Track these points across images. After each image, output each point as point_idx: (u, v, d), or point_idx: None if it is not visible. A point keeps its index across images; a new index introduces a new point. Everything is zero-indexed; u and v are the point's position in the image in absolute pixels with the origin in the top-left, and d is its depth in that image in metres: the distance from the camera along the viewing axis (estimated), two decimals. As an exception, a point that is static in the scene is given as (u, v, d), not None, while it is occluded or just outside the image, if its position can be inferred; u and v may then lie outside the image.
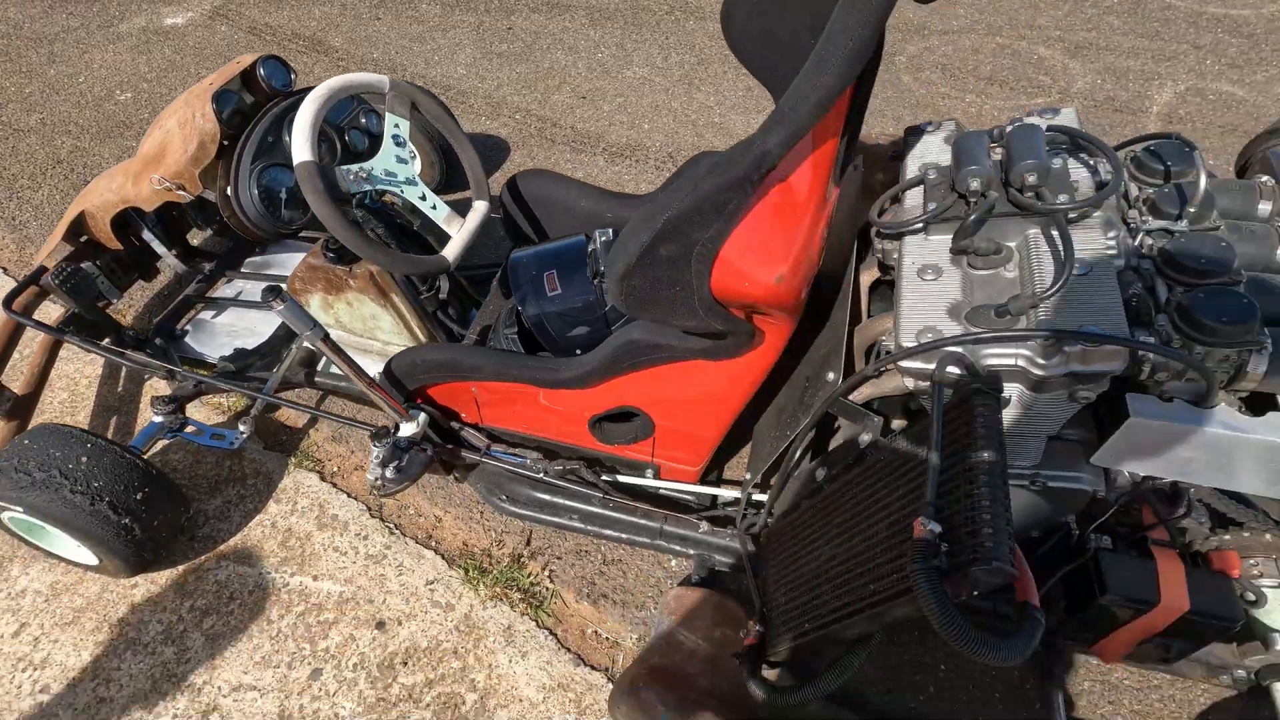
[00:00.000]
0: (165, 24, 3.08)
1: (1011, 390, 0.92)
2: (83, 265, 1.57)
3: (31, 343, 1.64)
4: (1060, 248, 0.89)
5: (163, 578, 1.40)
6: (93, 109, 2.61)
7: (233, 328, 1.74)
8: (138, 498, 1.26)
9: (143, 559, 1.31)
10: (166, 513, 1.33)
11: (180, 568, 1.41)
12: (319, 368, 1.59)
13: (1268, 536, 1.17)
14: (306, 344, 1.16)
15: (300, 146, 1.15)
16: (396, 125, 1.35)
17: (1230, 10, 3.03)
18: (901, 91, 2.63)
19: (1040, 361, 0.86)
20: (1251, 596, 1.11)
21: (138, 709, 1.24)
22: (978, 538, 0.72)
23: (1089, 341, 0.84)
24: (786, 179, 0.84)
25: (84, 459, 1.22)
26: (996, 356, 0.88)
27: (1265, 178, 1.05)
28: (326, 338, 1.17)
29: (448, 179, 2.09)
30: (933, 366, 0.87)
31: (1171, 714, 1.22)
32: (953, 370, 0.85)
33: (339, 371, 1.43)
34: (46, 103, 2.65)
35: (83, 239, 1.60)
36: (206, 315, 1.77)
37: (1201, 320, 0.85)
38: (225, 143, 1.33)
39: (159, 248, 1.71)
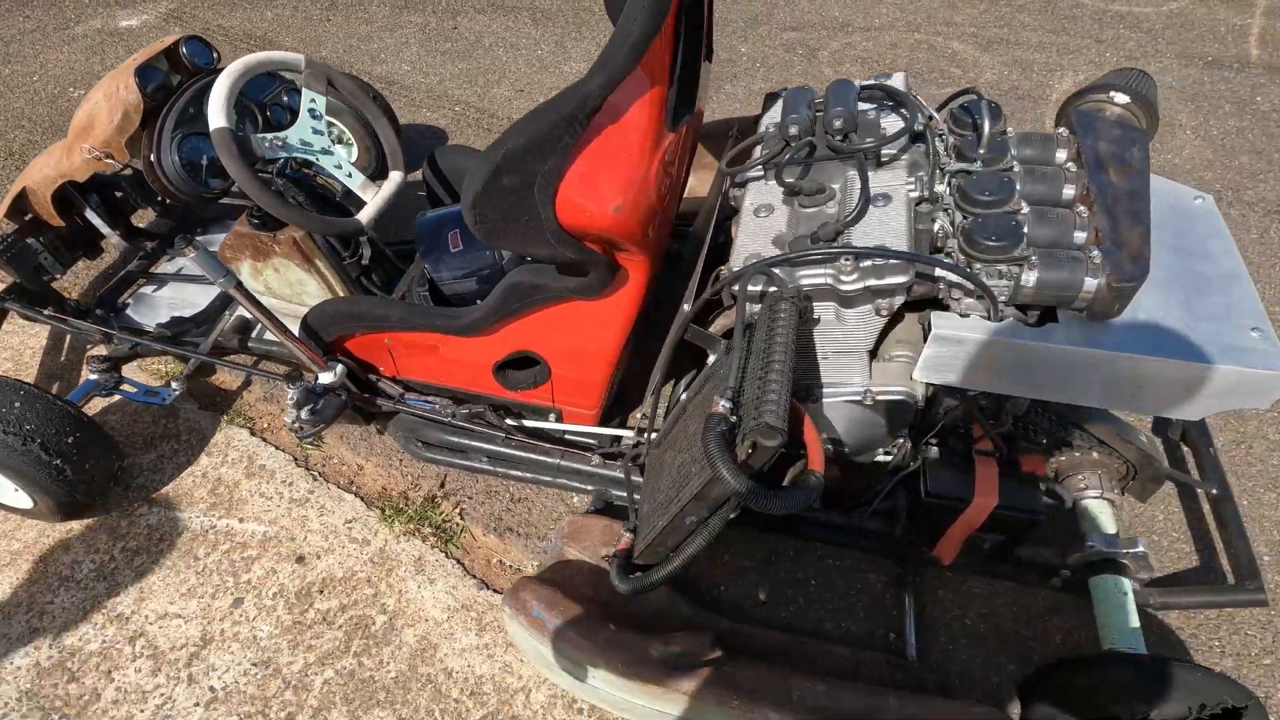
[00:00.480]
0: (120, 26, 3.18)
1: (828, 308, 1.06)
2: (26, 240, 1.67)
3: (-25, 313, 1.73)
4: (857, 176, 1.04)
5: (97, 524, 1.50)
6: (46, 105, 2.70)
7: (172, 300, 1.84)
8: (69, 441, 1.36)
9: (74, 500, 1.41)
10: (99, 459, 1.43)
11: (113, 514, 1.51)
12: (253, 335, 1.70)
13: (1094, 455, 1.32)
14: (238, 308, 1.27)
15: (216, 114, 1.27)
16: (313, 100, 1.47)
17: (1133, 8, 3.24)
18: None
19: (843, 279, 1.00)
20: (1052, 501, 1.26)
21: (69, 636, 1.33)
22: (760, 408, 0.85)
23: (879, 257, 0.98)
24: (618, 120, 0.98)
25: (17, 404, 1.32)
26: (809, 277, 1.02)
27: (1063, 130, 1.20)
28: (239, 285, 1.28)
29: (381, 164, 2.21)
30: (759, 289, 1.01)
31: (1014, 615, 1.35)
32: (758, 287, 0.99)
33: (271, 338, 1.55)
34: (0, 100, 2.74)
35: (26, 216, 1.69)
36: (148, 290, 1.87)
37: (976, 240, 0.99)
38: (151, 116, 1.45)
39: (102, 226, 1.81)
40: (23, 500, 1.41)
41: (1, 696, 1.26)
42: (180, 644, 1.32)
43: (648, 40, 0.88)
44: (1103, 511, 1.27)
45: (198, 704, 1.24)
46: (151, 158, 1.37)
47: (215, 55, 1.53)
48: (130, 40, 3.08)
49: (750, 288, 1.01)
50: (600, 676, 1.09)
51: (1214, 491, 1.35)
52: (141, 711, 1.24)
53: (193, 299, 1.82)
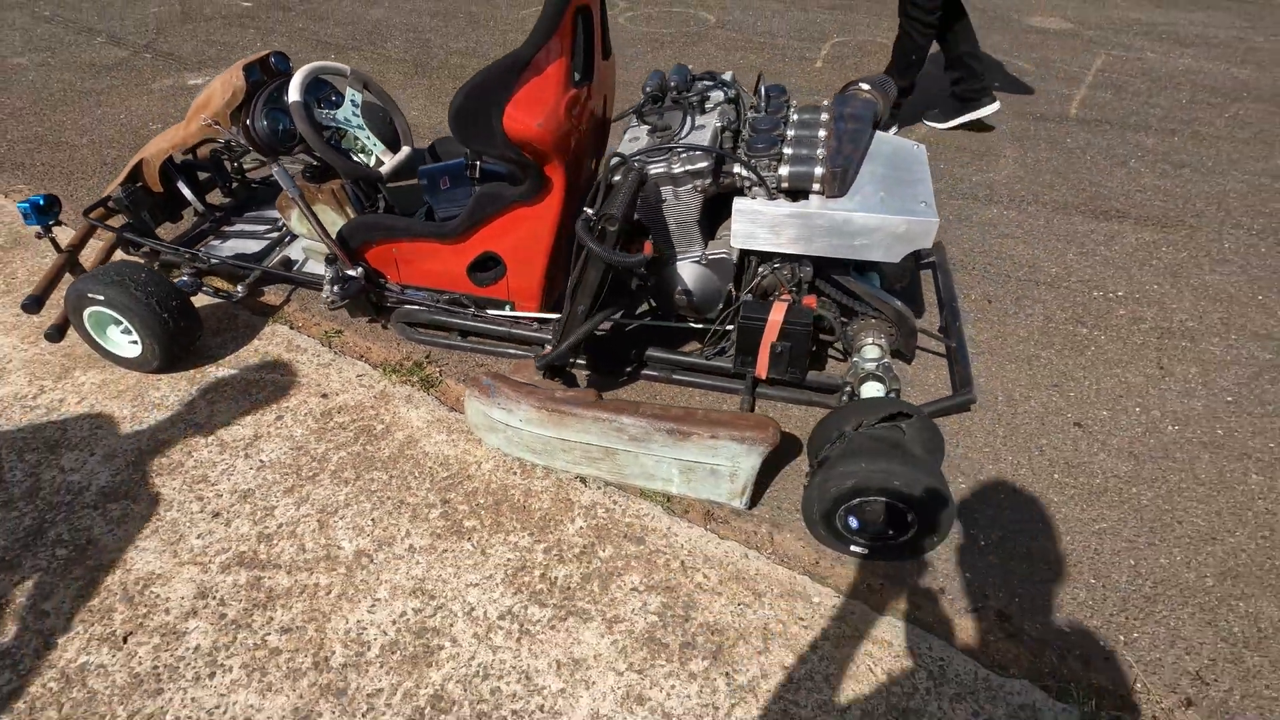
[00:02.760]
0: (188, 83, 4.03)
1: (665, 190, 1.75)
2: (130, 195, 2.36)
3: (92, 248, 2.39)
4: (688, 118, 1.75)
5: (179, 376, 2.10)
6: (131, 135, 3.47)
7: (233, 248, 2.52)
8: (173, 304, 1.99)
9: (172, 352, 2.02)
10: (189, 324, 2.05)
11: (192, 371, 2.11)
12: (295, 268, 2.36)
13: (872, 320, 1.97)
14: (282, 251, 1.94)
15: (294, 93, 1.99)
16: (353, 94, 2.21)
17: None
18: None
19: (672, 168, 1.70)
20: (829, 323, 1.89)
21: (161, 434, 1.91)
22: (610, 210, 1.51)
23: (691, 150, 1.68)
24: (541, 72, 1.69)
25: (143, 275, 1.96)
26: (653, 166, 1.72)
27: (827, 101, 1.93)
28: (301, 196, 1.96)
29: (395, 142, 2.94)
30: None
31: (815, 416, 1.95)
32: (621, 166, 1.69)
33: (309, 270, 2.22)
34: (95, 130, 3.51)
35: (138, 183, 2.39)
36: (215, 242, 2.55)
37: (752, 143, 1.69)
38: (247, 99, 2.17)
39: (189, 194, 2.50)
40: (133, 350, 2.02)
41: (122, 460, 1.82)
42: (239, 438, 1.90)
43: (554, 25, 1.60)
44: (873, 349, 1.91)
45: (251, 468, 1.81)
46: (248, 122, 2.08)
47: (289, 64, 2.28)
48: (194, 94, 3.90)
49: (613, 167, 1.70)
50: (520, 416, 1.68)
51: (952, 344, 2.00)
52: (213, 470, 1.81)
53: (250, 247, 2.49)
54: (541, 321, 2.12)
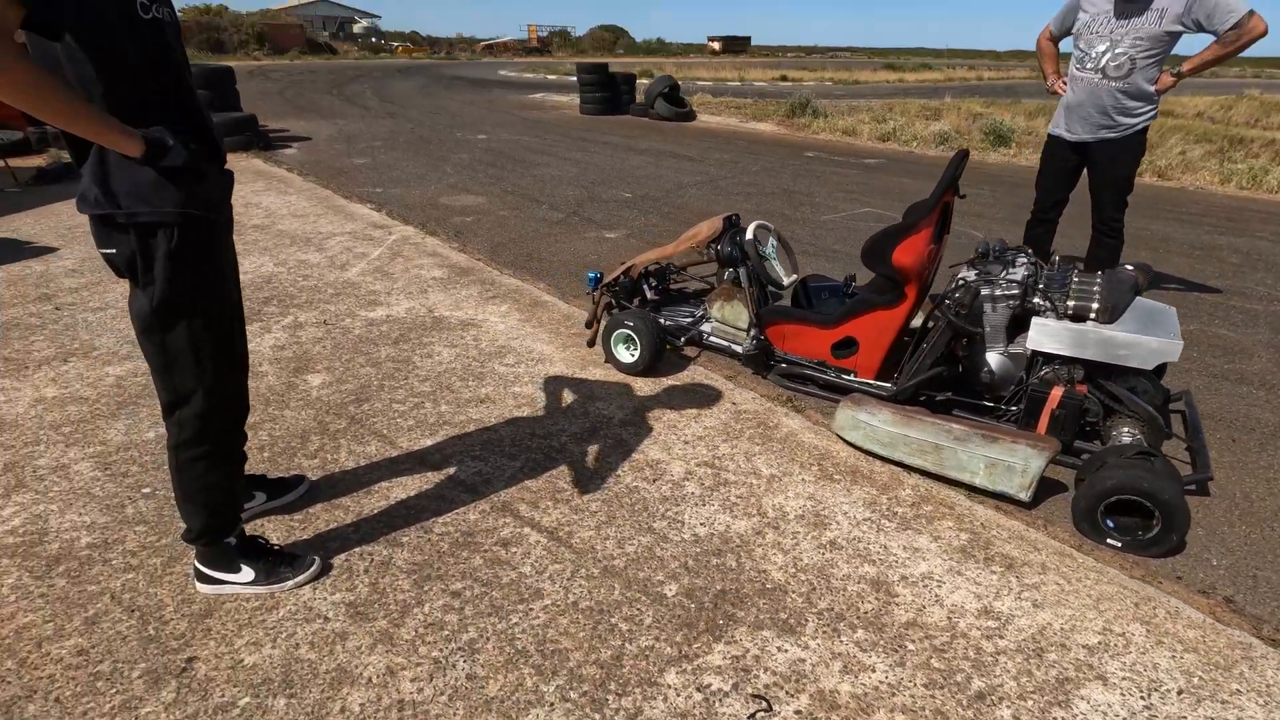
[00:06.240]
0: (605, 236, 6.09)
1: (988, 305, 2.85)
2: (623, 282, 4.01)
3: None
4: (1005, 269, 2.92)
5: (658, 374, 3.51)
6: (574, 259, 5.42)
7: (670, 318, 4.04)
8: (660, 337, 3.44)
9: (653, 363, 3.44)
10: (660, 342, 3.49)
11: (656, 378, 3.51)
12: (705, 338, 3.79)
13: (1127, 417, 2.82)
14: (708, 325, 3.38)
15: (749, 233, 3.50)
16: (771, 239, 3.69)
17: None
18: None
19: (994, 291, 2.82)
20: (1094, 408, 2.74)
21: (631, 402, 3.26)
22: (960, 298, 2.66)
23: (1008, 283, 2.79)
24: (919, 233, 2.95)
25: (649, 319, 3.46)
26: (984, 289, 2.85)
27: (1099, 274, 2.99)
28: (743, 290, 3.38)
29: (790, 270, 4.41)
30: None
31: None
32: (966, 287, 2.85)
33: (716, 341, 3.63)
34: (556, 255, 5.53)
35: (626, 274, 4.05)
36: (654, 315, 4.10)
37: (1048, 286, 2.79)
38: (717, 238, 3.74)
39: (648, 291, 4.13)
40: (631, 358, 3.48)
41: (622, 410, 3.19)
42: (682, 418, 3.19)
43: (931, 209, 2.89)
44: (1127, 436, 2.73)
45: (695, 436, 3.07)
46: (718, 247, 3.61)
47: (740, 219, 3.86)
48: (609, 243, 5.91)
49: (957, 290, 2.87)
50: (880, 418, 2.76)
51: (1194, 445, 2.73)
52: (646, 427, 3.09)
53: (680, 321, 4.00)
54: (871, 384, 3.24)
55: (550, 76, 30.16)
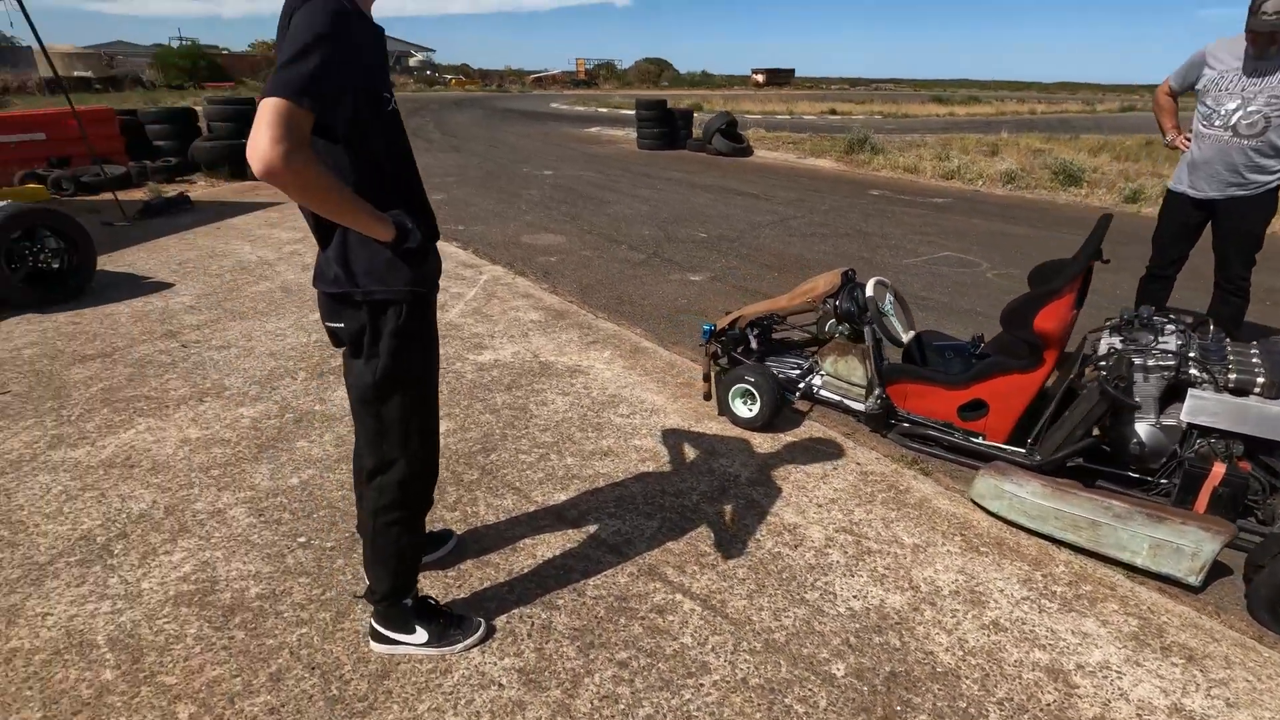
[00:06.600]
0: (690, 279, 6.13)
1: (1139, 375, 2.77)
2: (730, 333, 4.02)
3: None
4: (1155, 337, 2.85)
5: (767, 436, 3.48)
6: (668, 302, 5.46)
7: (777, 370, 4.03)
8: (780, 393, 3.43)
9: (772, 419, 3.43)
10: (780, 399, 3.47)
11: (774, 434, 3.49)
12: (815, 392, 3.76)
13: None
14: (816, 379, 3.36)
15: (869, 289, 3.48)
16: (889, 295, 3.66)
17: None
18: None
19: (1147, 361, 2.74)
20: (1258, 487, 2.61)
21: (754, 460, 3.24)
22: (1119, 371, 2.59)
23: (1162, 353, 2.71)
24: (1063, 298, 2.90)
25: (770, 375, 3.45)
26: (1135, 358, 2.77)
27: (1255, 343, 2.88)
28: (873, 332, 3.35)
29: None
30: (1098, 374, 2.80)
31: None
32: (1117, 355, 2.78)
33: (826, 395, 3.59)
34: (644, 299, 5.58)
35: (734, 325, 4.06)
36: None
37: (1206, 356, 2.70)
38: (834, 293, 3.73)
39: (753, 340, 4.13)
40: (749, 413, 3.47)
41: (749, 467, 3.17)
42: (806, 477, 3.15)
43: (1075, 275, 2.84)
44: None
45: (826, 494, 3.03)
46: (836, 303, 3.60)
47: (857, 274, 3.85)
48: (696, 286, 5.95)
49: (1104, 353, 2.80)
50: (1028, 489, 2.68)
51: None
52: (801, 479, 3.06)
53: (788, 374, 3.98)
54: (1004, 449, 3.16)
55: (602, 110, 30.81)
